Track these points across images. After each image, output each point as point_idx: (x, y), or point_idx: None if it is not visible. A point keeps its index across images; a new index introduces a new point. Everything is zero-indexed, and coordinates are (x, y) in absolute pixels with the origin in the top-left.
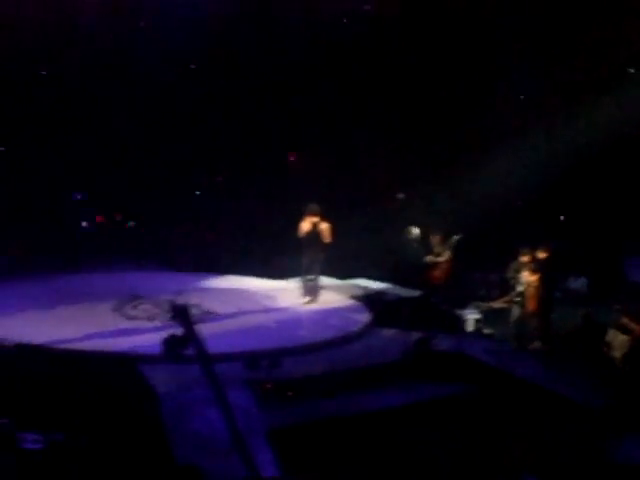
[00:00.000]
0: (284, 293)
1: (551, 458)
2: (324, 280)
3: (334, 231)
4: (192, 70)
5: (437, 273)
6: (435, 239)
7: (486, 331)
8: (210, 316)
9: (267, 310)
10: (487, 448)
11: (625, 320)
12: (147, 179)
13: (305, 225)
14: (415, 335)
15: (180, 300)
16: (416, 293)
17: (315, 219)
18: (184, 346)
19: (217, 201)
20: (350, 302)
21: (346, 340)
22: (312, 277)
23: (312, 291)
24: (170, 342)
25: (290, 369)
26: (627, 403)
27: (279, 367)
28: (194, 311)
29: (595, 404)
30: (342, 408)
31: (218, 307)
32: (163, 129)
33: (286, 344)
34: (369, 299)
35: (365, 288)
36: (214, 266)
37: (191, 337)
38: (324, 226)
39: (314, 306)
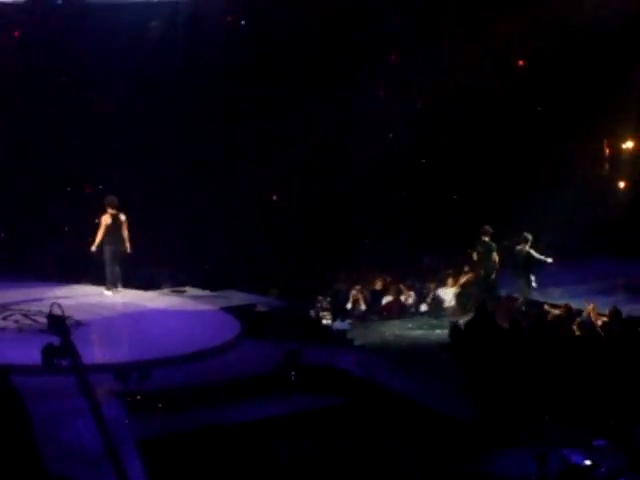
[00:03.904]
0: (153, 303)
1: (421, 469)
2: (195, 291)
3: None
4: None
5: None
6: None
7: (357, 343)
8: (80, 327)
9: (137, 321)
10: (358, 460)
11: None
12: (15, 191)
13: (107, 218)
14: (285, 347)
15: (50, 311)
16: (286, 304)
17: (114, 211)
18: (62, 356)
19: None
20: (220, 313)
21: (216, 352)
22: (117, 269)
23: (116, 281)
24: (48, 352)
25: (160, 380)
26: (496, 415)
27: (149, 378)
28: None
29: (464, 416)
30: (212, 419)
31: (88, 317)
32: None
33: (156, 355)
34: (239, 310)
35: (235, 299)
36: (83, 276)
37: (68, 347)
38: (124, 218)
39: (184, 316)
